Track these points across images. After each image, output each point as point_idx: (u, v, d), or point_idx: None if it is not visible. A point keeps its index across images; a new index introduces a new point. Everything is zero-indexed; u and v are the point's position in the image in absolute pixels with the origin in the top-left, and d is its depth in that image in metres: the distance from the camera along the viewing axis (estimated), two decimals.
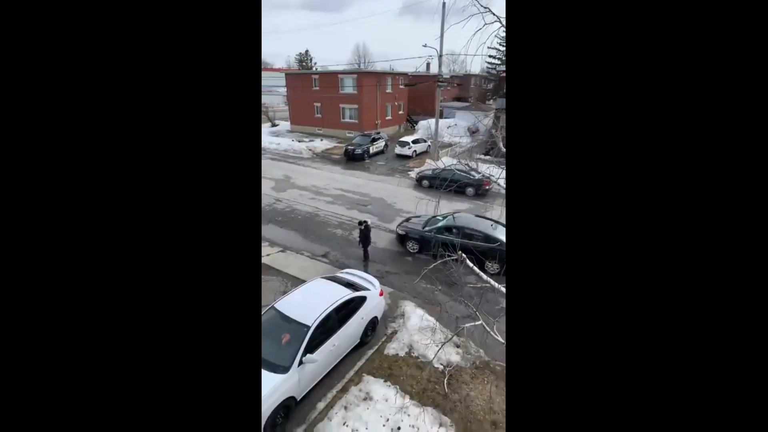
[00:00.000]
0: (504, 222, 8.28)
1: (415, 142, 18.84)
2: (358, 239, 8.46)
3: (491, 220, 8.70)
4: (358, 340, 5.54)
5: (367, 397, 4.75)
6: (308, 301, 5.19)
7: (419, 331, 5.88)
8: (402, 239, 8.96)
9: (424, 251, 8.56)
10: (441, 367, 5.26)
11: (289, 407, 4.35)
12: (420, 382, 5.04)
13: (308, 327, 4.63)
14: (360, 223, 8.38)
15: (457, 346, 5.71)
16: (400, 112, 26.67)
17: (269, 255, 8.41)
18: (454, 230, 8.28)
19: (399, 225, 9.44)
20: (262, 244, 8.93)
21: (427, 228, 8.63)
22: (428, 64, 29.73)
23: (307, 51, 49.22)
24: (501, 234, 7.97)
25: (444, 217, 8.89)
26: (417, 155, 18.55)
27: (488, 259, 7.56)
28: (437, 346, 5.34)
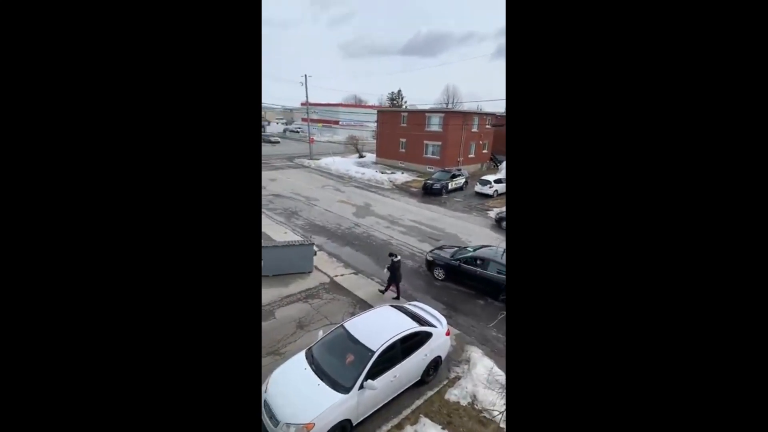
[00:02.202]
0: None
1: (497, 181, 18.26)
2: (387, 275, 7.65)
3: None
4: (419, 378, 5.37)
5: None
6: (375, 326, 5.29)
7: (485, 383, 5.44)
8: (430, 265, 9.06)
9: (450, 280, 8.68)
10: None
11: (344, 429, 4.39)
12: None
13: (373, 352, 4.70)
14: (390, 254, 7.81)
15: None
16: (484, 151, 26.39)
17: (343, 275, 8.88)
18: (478, 261, 8.27)
19: (430, 251, 9.49)
20: (339, 264, 9.50)
21: (453, 257, 8.67)
22: None
23: (399, 90, 53.16)
24: None
25: (475, 249, 8.89)
26: (498, 195, 17.91)
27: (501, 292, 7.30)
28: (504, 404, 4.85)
